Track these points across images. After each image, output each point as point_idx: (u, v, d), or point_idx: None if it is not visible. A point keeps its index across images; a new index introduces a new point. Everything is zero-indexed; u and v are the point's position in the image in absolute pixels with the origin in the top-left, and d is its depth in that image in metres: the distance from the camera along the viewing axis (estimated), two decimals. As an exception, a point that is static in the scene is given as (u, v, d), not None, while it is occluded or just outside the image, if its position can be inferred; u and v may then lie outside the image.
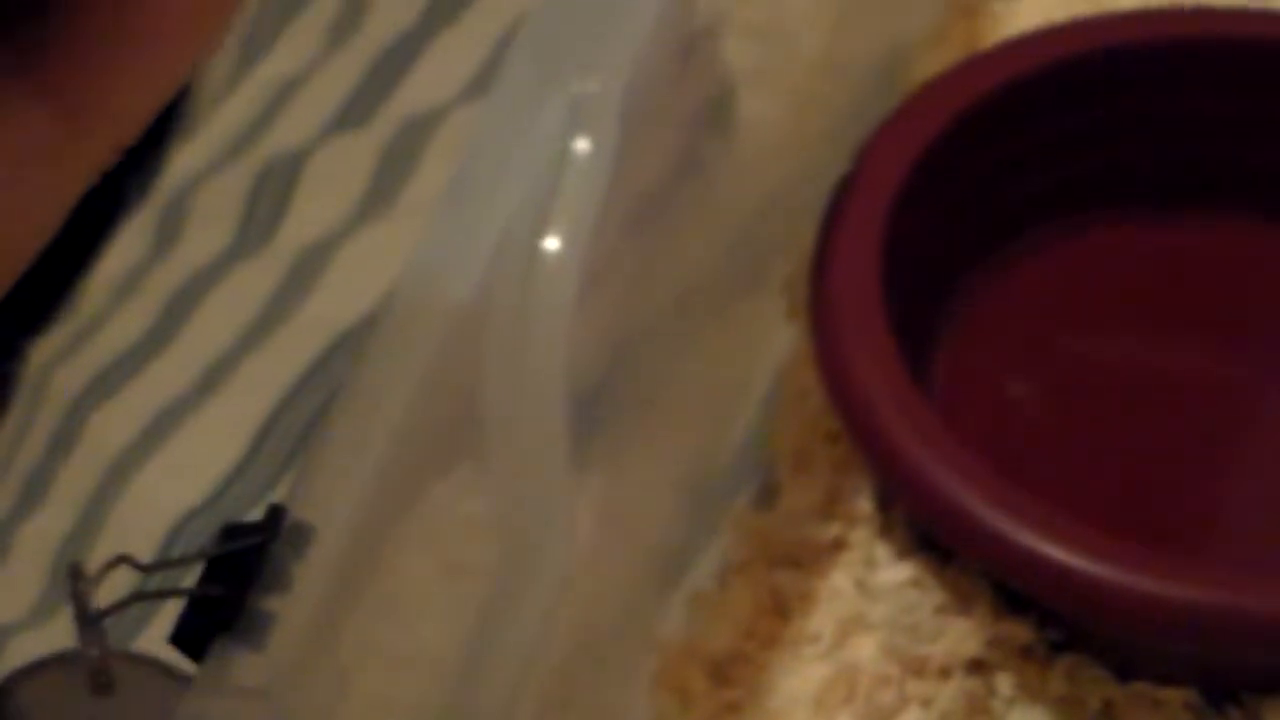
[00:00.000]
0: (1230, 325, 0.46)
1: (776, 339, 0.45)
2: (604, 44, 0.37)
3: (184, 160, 0.54)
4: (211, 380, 0.48)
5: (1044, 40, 0.46)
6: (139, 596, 0.32)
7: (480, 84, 0.54)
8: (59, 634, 0.41)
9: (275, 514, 0.32)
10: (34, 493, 0.47)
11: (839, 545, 0.41)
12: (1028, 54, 0.45)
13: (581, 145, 0.36)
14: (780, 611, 0.41)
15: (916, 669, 0.39)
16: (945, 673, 0.39)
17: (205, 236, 0.52)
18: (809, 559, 0.41)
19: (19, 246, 0.24)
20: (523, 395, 0.34)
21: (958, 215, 0.45)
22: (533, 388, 0.34)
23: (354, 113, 0.54)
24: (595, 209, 0.35)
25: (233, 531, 0.32)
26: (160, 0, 0.24)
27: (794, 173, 0.46)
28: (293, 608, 0.31)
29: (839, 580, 0.41)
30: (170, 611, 0.32)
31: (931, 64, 0.48)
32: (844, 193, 0.43)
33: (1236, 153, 0.47)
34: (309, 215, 0.52)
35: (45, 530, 0.46)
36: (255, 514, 0.33)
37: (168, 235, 0.52)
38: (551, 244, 0.35)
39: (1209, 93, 0.46)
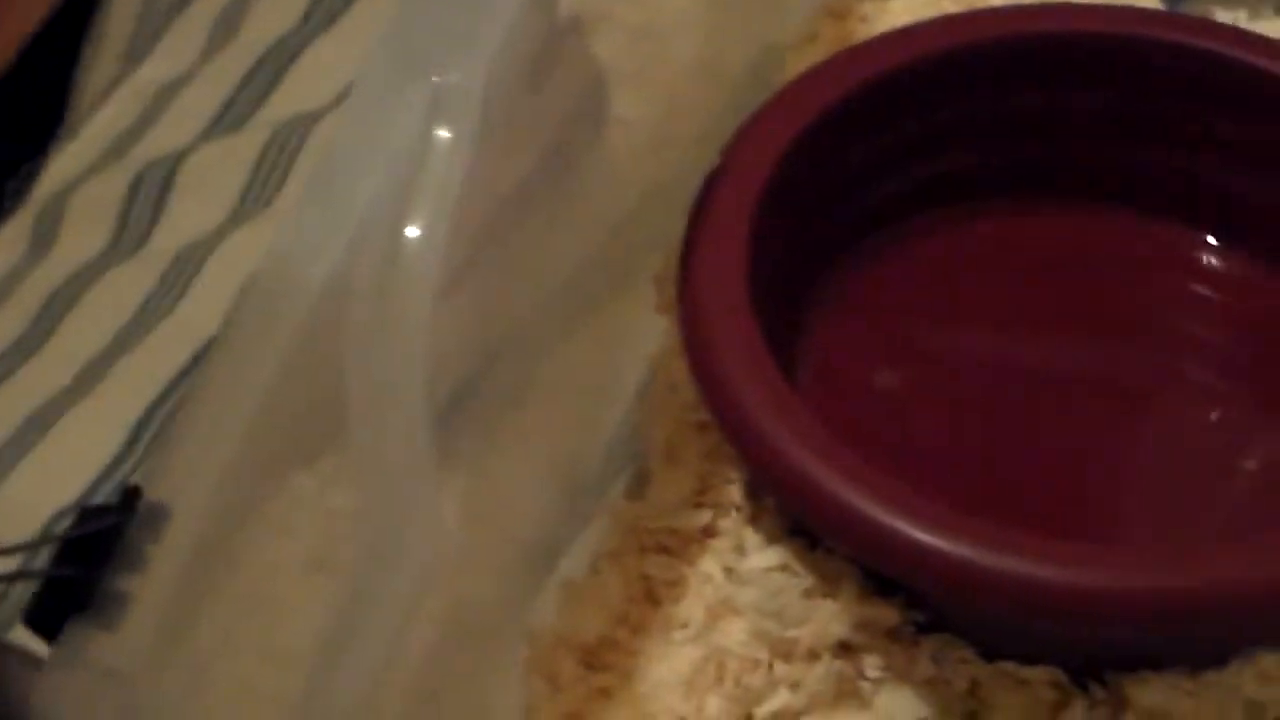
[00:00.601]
0: (1094, 318, 0.46)
1: (647, 332, 0.45)
2: (466, 37, 0.37)
3: (61, 164, 0.54)
4: (85, 381, 0.48)
5: (909, 37, 0.47)
6: (-9, 580, 0.32)
7: (357, 89, 0.54)
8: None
9: (130, 495, 0.32)
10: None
11: (709, 533, 0.42)
12: (893, 51, 0.46)
13: (442, 134, 0.36)
14: (650, 598, 0.41)
15: (785, 652, 0.39)
16: (813, 655, 0.39)
17: (81, 239, 0.52)
18: (679, 546, 0.41)
19: None
20: (384, 382, 0.34)
21: (823, 209, 0.45)
22: (394, 373, 0.34)
23: (231, 116, 0.54)
24: (457, 196, 0.35)
25: (88, 513, 0.32)
26: None
27: (666, 171, 0.46)
28: (148, 589, 0.31)
29: (708, 566, 0.41)
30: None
31: (803, 65, 0.48)
32: (710, 188, 0.43)
33: (1106, 150, 0.47)
34: (185, 218, 0.52)
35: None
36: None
37: (43, 238, 0.52)
38: (412, 231, 0.35)
39: (1078, 89, 0.47)
